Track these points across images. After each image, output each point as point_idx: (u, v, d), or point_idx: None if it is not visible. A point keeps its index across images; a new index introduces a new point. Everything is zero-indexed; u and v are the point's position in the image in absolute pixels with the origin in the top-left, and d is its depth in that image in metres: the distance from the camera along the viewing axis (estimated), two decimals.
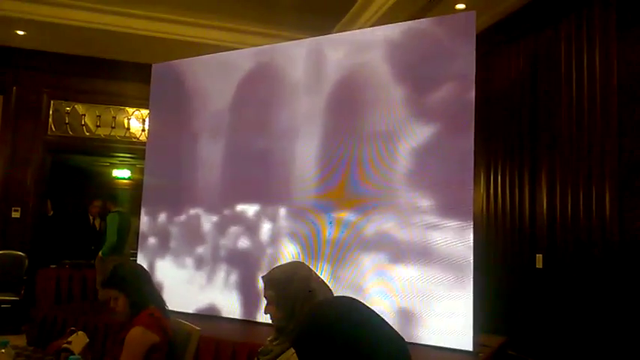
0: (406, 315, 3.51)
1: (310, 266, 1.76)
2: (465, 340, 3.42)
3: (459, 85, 3.60)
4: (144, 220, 4.85)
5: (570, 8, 3.92)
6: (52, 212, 6.78)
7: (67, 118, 6.48)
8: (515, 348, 4.15)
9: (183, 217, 4.61)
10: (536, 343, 4.06)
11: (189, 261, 4.53)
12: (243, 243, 4.28)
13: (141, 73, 5.62)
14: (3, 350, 1.50)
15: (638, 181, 3.33)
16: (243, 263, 4.27)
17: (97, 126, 6.62)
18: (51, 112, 6.40)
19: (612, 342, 3.40)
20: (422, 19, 3.93)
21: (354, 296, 1.12)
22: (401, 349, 1.00)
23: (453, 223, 3.53)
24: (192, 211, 4.56)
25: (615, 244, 3.45)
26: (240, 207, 4.33)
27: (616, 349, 3.37)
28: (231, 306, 4.28)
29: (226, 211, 4.39)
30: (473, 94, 3.54)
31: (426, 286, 3.56)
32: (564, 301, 3.82)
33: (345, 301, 1.08)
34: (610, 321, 3.43)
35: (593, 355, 3.53)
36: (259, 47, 4.66)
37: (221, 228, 4.41)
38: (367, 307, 1.05)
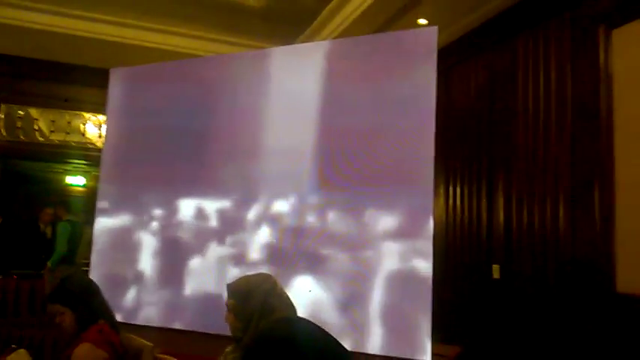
0: (363, 325, 3.50)
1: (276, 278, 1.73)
2: (421, 350, 3.44)
3: (419, 100, 3.64)
4: (97, 228, 4.68)
5: (527, 24, 4.05)
6: (0, 219, 6.48)
7: (18, 123, 6.23)
8: (471, 358, 4.20)
9: (139, 225, 4.47)
10: (492, 353, 4.12)
11: (144, 271, 4.39)
12: (206, 250, 4.19)
13: (98, 77, 5.45)
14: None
15: (589, 196, 3.44)
16: (203, 272, 4.17)
17: (51, 131, 6.39)
18: (2, 116, 6.14)
19: (564, 352, 3.49)
20: (384, 33, 3.98)
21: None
22: None
23: (412, 234, 3.55)
24: (149, 220, 4.44)
25: (567, 256, 3.55)
26: (203, 212, 4.24)
27: (567, 358, 3.45)
28: (192, 318, 4.17)
29: (185, 218, 4.29)
30: (433, 108, 3.59)
31: (383, 295, 3.56)
32: (520, 311, 3.90)
33: (299, 324, 1.07)
34: (562, 334, 3.52)
35: None
36: (221, 55, 4.62)
37: (181, 235, 4.31)
38: (317, 329, 1.04)
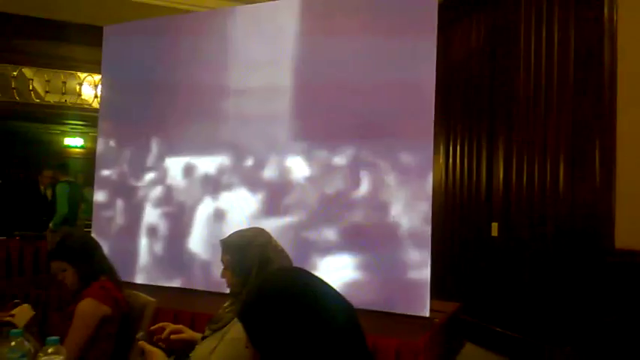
0: (361, 282, 3.54)
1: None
2: (420, 306, 3.49)
3: (419, 56, 3.57)
4: (98, 189, 4.68)
5: None
6: None
7: (13, 83, 6.13)
8: (469, 313, 4.29)
9: (140, 185, 4.47)
10: (490, 309, 4.20)
11: (146, 230, 4.42)
12: (204, 208, 4.19)
13: (92, 35, 5.33)
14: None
15: (589, 152, 3.42)
16: (204, 230, 4.19)
17: (47, 92, 6.30)
18: None
19: (559, 309, 3.55)
20: None
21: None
22: (350, 320, 0.99)
23: (411, 192, 3.55)
24: (149, 179, 4.43)
25: (567, 213, 3.56)
26: (201, 169, 4.22)
27: (563, 315, 3.52)
28: (192, 276, 4.22)
29: (184, 176, 4.28)
30: (434, 64, 3.52)
31: (382, 252, 3.59)
32: (516, 268, 3.95)
33: (293, 274, 1.07)
34: (557, 290, 3.57)
35: (543, 321, 3.68)
36: (214, 9, 4.50)
37: (179, 195, 4.31)
38: (317, 278, 1.04)
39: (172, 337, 1.71)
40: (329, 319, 0.97)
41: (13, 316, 1.55)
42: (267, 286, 1.04)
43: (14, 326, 1.49)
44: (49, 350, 1.31)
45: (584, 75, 3.49)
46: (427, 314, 3.47)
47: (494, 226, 4.20)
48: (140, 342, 1.39)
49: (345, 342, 0.96)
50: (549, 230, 3.69)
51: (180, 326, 1.77)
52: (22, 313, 1.58)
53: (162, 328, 1.74)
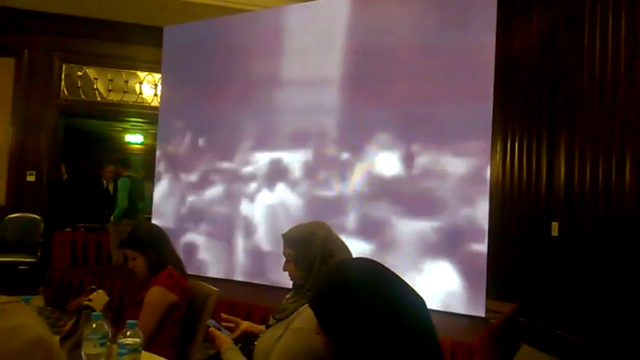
0: (419, 280, 3.52)
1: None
2: (476, 306, 3.44)
3: (478, 50, 3.52)
4: (158, 184, 4.87)
5: None
6: (66, 176, 6.83)
7: (79, 82, 6.45)
8: (526, 315, 4.17)
9: (200, 181, 4.61)
10: (548, 311, 4.07)
11: (205, 225, 4.55)
12: (263, 204, 4.27)
13: (152, 36, 5.55)
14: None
15: None
16: (262, 225, 4.28)
17: (109, 90, 6.59)
18: (63, 76, 6.37)
19: (624, 313, 3.39)
20: None
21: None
22: (420, 310, 0.99)
23: (468, 190, 3.50)
24: (209, 175, 4.56)
25: (633, 215, 3.40)
26: (258, 166, 4.31)
27: (627, 319, 3.36)
28: (248, 270, 4.32)
29: (244, 172, 4.38)
30: (493, 58, 3.46)
31: (440, 251, 3.56)
32: (579, 270, 3.80)
33: (363, 263, 1.08)
34: (624, 292, 3.42)
35: (604, 324, 3.53)
36: (271, 8, 4.57)
37: (238, 192, 4.41)
38: (386, 268, 1.04)
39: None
40: (401, 310, 0.97)
41: (91, 300, 1.64)
42: (340, 274, 1.06)
43: (93, 309, 1.58)
44: (128, 333, 1.39)
45: None
46: (483, 314, 3.42)
47: (555, 225, 4.06)
48: (210, 328, 1.44)
49: (417, 334, 0.96)
50: (614, 231, 3.53)
51: (246, 322, 1.82)
52: (99, 298, 1.67)
53: (230, 320, 1.80)
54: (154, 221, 4.81)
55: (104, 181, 6.78)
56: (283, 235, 1.74)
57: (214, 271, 4.44)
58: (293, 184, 4.14)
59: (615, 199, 3.53)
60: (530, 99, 4.43)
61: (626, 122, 3.49)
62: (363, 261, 1.10)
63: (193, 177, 4.65)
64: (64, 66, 6.36)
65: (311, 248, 1.64)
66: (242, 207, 4.39)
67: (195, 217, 4.62)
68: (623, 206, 3.46)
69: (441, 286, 3.52)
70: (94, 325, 1.41)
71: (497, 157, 4.77)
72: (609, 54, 3.63)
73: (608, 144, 3.62)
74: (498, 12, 3.48)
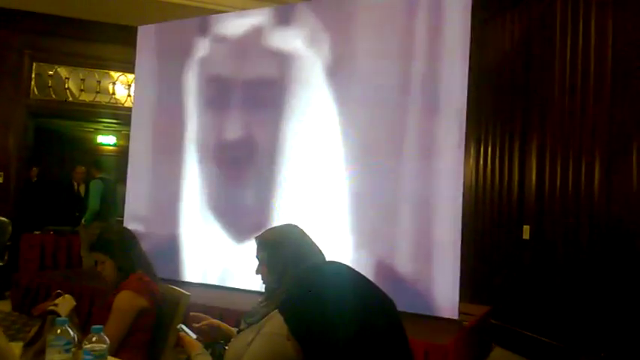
0: (390, 282, 3.53)
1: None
2: (449, 309, 3.47)
3: (452, 55, 3.56)
4: (130, 186, 4.78)
5: None
6: (35, 178, 6.66)
7: (49, 82, 6.30)
8: (498, 317, 4.23)
9: (170, 183, 4.55)
10: (520, 313, 4.13)
11: (177, 227, 4.49)
12: (236, 204, 4.23)
13: (126, 35, 5.44)
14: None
15: (626, 153, 3.34)
16: (234, 227, 4.24)
17: (81, 90, 6.45)
18: (33, 75, 6.21)
19: (593, 314, 3.47)
20: None
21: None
22: (389, 313, 0.99)
23: (442, 193, 3.53)
24: (179, 178, 4.50)
25: (602, 217, 3.48)
26: (231, 166, 4.27)
27: (596, 321, 3.43)
28: (220, 273, 4.27)
29: (217, 171, 4.33)
30: (467, 63, 3.50)
31: (412, 253, 3.58)
32: (549, 272, 3.87)
33: (333, 267, 1.07)
34: (593, 294, 3.49)
35: (574, 326, 3.60)
36: (246, 10, 4.54)
37: (210, 192, 4.36)
38: (356, 272, 1.04)
39: (205, 323, 1.75)
40: (370, 314, 0.97)
41: (56, 305, 1.60)
42: (309, 279, 1.05)
43: (58, 315, 1.54)
44: (93, 339, 1.35)
45: (622, 73, 3.41)
46: (456, 317, 3.45)
47: (526, 229, 4.13)
48: (180, 333, 1.41)
49: (386, 338, 0.96)
50: (583, 234, 3.61)
51: (216, 320, 1.79)
52: (65, 303, 1.62)
53: (200, 317, 1.77)
54: (125, 223, 4.73)
55: (75, 183, 6.62)
56: (256, 238, 1.72)
57: (185, 275, 4.39)
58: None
59: (585, 202, 3.61)
60: (503, 104, 4.51)
61: (595, 126, 3.58)
62: (333, 265, 1.09)
63: (164, 179, 4.58)
64: (34, 64, 6.21)
65: (282, 251, 1.63)
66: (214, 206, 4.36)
67: (166, 218, 4.55)
68: (593, 209, 3.54)
69: (414, 288, 3.54)
70: (58, 331, 1.37)
71: (471, 161, 4.83)
72: (579, 59, 3.72)
73: (578, 148, 3.70)
74: (472, 18, 3.53)
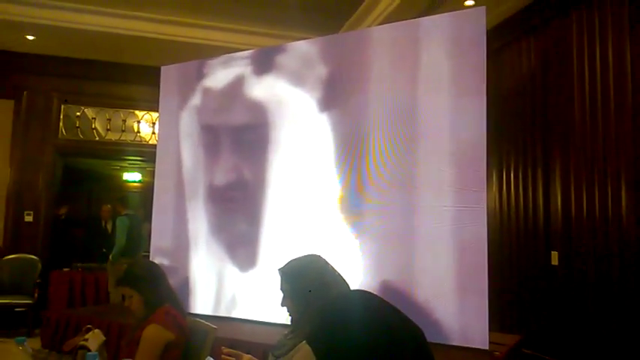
0: (419, 313, 3.48)
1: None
2: (479, 339, 3.39)
3: (469, 83, 3.57)
4: (155, 222, 4.85)
5: (581, 0, 3.88)
6: (64, 216, 6.82)
7: (77, 122, 6.52)
8: (530, 346, 4.11)
9: (196, 218, 4.60)
10: (552, 341, 4.01)
11: (202, 262, 4.52)
12: (260, 241, 4.25)
13: (149, 75, 5.63)
14: (20, 347, 1.50)
15: None
16: (259, 262, 4.25)
17: (107, 130, 6.66)
18: (61, 117, 6.44)
19: (628, 341, 3.35)
20: (431, 17, 3.91)
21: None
22: (419, 343, 0.99)
23: (466, 223, 3.50)
24: (205, 213, 4.56)
25: (632, 240, 3.40)
26: (257, 206, 4.31)
27: (630, 348, 3.32)
28: (247, 307, 4.27)
29: (240, 209, 4.39)
30: (484, 91, 3.51)
31: (440, 284, 3.53)
32: (581, 298, 3.77)
33: (358, 296, 1.07)
34: (627, 320, 3.38)
35: (609, 354, 3.48)
36: (266, 47, 4.66)
37: (235, 227, 4.40)
38: (382, 300, 1.04)
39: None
40: (399, 343, 0.96)
41: (87, 340, 1.63)
42: (335, 308, 1.05)
43: (88, 349, 1.56)
44: None
45: None
46: (486, 347, 3.36)
47: (554, 254, 4.05)
48: None
49: None
50: (614, 258, 3.52)
51: (248, 355, 1.79)
52: (95, 337, 1.66)
53: (233, 353, 1.77)
54: (152, 258, 4.78)
55: (102, 221, 6.77)
56: (279, 270, 1.73)
57: (212, 308, 4.39)
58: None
59: (613, 226, 3.53)
60: (523, 130, 4.49)
61: (618, 148, 3.53)
62: (359, 294, 1.09)
63: (190, 214, 4.65)
64: (62, 107, 6.44)
65: (306, 282, 1.63)
66: (238, 242, 4.39)
67: (191, 253, 4.59)
68: (621, 232, 3.47)
69: (443, 319, 3.48)
70: None
71: (494, 188, 4.79)
72: (598, 81, 3.71)
73: (603, 171, 3.65)
74: (488, 45, 3.56)
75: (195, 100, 4.75)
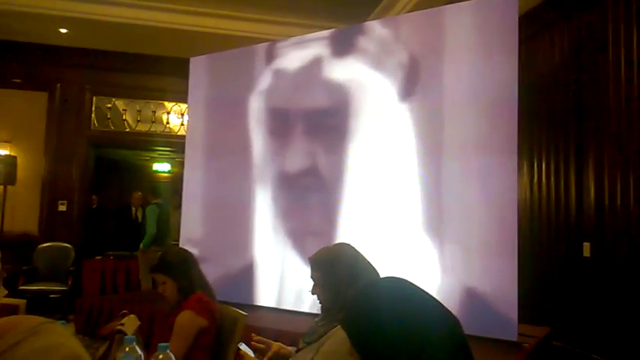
0: (448, 304, 3.46)
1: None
2: (509, 331, 3.36)
3: (502, 70, 3.51)
4: (185, 210, 4.93)
5: None
6: (95, 205, 6.98)
7: (108, 114, 6.66)
8: (560, 339, 4.05)
9: (224, 207, 4.66)
10: (583, 334, 3.94)
11: (231, 252, 4.57)
12: (289, 230, 4.26)
13: (178, 67, 5.70)
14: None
15: None
16: (289, 251, 4.27)
17: (138, 121, 6.78)
18: (93, 108, 6.59)
19: None
20: (462, 3, 3.83)
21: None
22: (453, 329, 0.99)
23: (496, 213, 3.46)
24: (233, 203, 4.60)
25: None
26: (285, 193, 4.30)
27: None
28: (275, 295, 4.30)
29: (269, 199, 4.40)
30: (516, 79, 3.45)
31: (469, 275, 3.50)
32: (613, 290, 3.69)
33: (393, 282, 1.07)
34: None
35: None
36: (296, 37, 4.64)
37: (261, 218, 4.43)
38: (416, 286, 1.04)
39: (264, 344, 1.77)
40: (433, 331, 0.97)
41: (123, 324, 1.67)
42: (369, 294, 1.06)
43: (125, 334, 1.61)
44: (160, 356, 1.40)
45: None
46: (515, 338, 3.33)
47: (586, 246, 3.97)
48: (241, 350, 1.44)
49: (449, 355, 0.96)
50: None
51: (277, 343, 1.82)
52: (131, 322, 1.70)
53: (263, 341, 1.80)
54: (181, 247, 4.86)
55: (133, 208, 6.90)
56: (310, 259, 1.75)
57: (241, 297, 4.43)
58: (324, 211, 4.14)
59: None
60: (556, 118, 4.39)
61: None
62: (392, 281, 1.09)
63: (218, 203, 4.70)
64: (94, 98, 6.58)
65: (337, 271, 1.65)
66: (267, 233, 4.41)
67: (221, 242, 4.65)
68: None
69: (472, 310, 3.45)
70: (127, 349, 1.44)
71: (525, 178, 4.70)
72: (635, 70, 3.59)
73: (637, 161, 3.54)
74: (520, 33, 3.49)
75: (263, 84, 4.58)
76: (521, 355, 3.17)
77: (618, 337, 3.61)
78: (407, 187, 3.79)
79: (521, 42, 3.45)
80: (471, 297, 3.47)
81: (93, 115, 6.59)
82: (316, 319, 1.77)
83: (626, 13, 3.69)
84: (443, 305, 1.02)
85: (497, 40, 3.56)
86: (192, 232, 4.86)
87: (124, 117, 6.72)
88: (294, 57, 4.39)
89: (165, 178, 9.60)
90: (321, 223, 4.10)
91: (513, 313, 3.35)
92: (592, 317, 3.87)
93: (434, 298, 1.03)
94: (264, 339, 1.82)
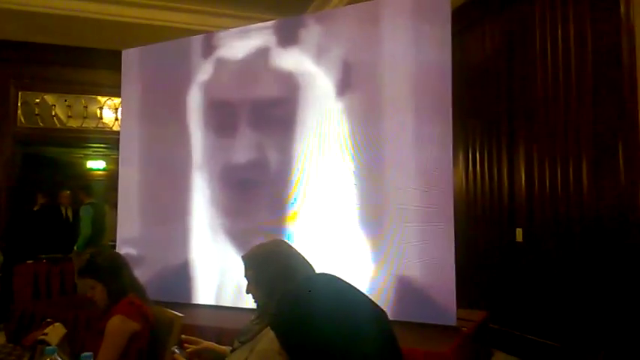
0: (387, 292, 3.52)
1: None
2: (447, 316, 3.45)
3: (434, 64, 3.58)
4: (121, 210, 4.75)
5: None
6: (38, 207, 6.62)
7: (36, 110, 6.29)
8: (496, 321, 4.22)
9: (162, 206, 4.52)
10: (518, 316, 4.13)
11: (170, 250, 4.45)
12: (229, 226, 4.19)
13: (112, 60, 5.45)
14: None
15: (612, 151, 3.38)
16: (229, 248, 4.20)
17: (69, 116, 6.45)
18: (19, 104, 6.20)
19: (590, 313, 3.47)
20: None
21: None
22: (382, 325, 0.99)
23: (433, 203, 3.53)
24: (172, 200, 4.47)
25: (592, 216, 3.50)
26: (227, 188, 4.22)
27: (594, 320, 3.44)
28: (214, 293, 4.23)
29: (204, 195, 4.31)
30: (449, 72, 3.52)
31: (407, 262, 3.56)
32: (545, 273, 3.88)
33: (323, 280, 1.07)
34: (588, 293, 3.50)
35: (573, 326, 3.60)
36: (231, 29, 4.54)
37: (201, 214, 4.34)
38: (346, 283, 1.04)
39: (197, 348, 1.73)
40: (361, 325, 0.97)
41: (46, 334, 1.58)
42: (298, 293, 1.05)
43: (48, 344, 1.52)
44: None
45: (603, 73, 3.46)
46: (454, 323, 3.43)
47: (519, 231, 4.15)
48: (175, 355, 1.40)
49: (379, 349, 0.96)
50: (575, 233, 3.62)
51: (210, 343, 1.78)
52: (55, 331, 1.61)
53: (192, 341, 1.75)
54: (118, 247, 4.69)
55: (62, 208, 6.58)
56: (242, 257, 1.72)
57: (179, 296, 4.32)
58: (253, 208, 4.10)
59: (574, 203, 3.63)
60: (488, 109, 4.55)
61: (580, 126, 3.62)
62: (323, 278, 1.08)
63: (155, 202, 4.55)
64: (20, 93, 6.20)
65: (271, 267, 1.62)
66: (205, 229, 4.32)
67: (158, 241, 4.51)
68: (583, 208, 3.57)
69: (408, 294, 3.52)
70: None
71: (460, 168, 4.85)
72: (560, 62, 3.77)
73: (564, 149, 3.73)
74: (453, 26, 3.57)
75: (203, 76, 4.41)
76: (460, 339, 3.27)
77: (551, 317, 3.80)
78: (346, 181, 3.81)
79: (454, 35, 3.52)
80: (411, 286, 3.53)
81: (19, 111, 6.20)
82: (252, 318, 1.74)
83: (551, 5, 3.86)
84: (372, 301, 1.02)
85: (430, 32, 3.62)
86: (129, 231, 4.69)
87: (53, 112, 6.37)
88: (237, 47, 4.28)
89: (101, 175, 9.22)
90: (265, 217, 4.06)
91: (452, 299, 3.44)
92: (526, 299, 4.06)
93: (363, 293, 1.03)
94: (193, 338, 1.78)
